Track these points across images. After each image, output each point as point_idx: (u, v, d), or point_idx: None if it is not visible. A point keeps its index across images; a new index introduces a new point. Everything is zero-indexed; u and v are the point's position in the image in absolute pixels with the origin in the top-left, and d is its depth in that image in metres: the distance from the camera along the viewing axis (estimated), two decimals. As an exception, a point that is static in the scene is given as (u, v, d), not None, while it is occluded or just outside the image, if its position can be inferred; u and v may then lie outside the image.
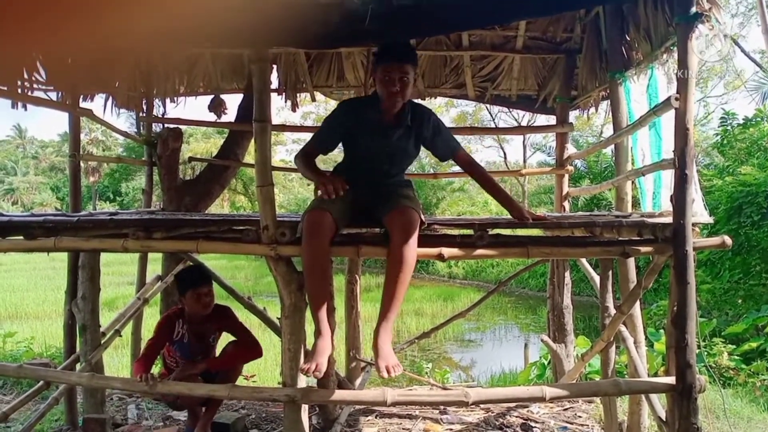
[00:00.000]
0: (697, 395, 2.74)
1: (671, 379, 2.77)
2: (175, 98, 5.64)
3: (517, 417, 4.44)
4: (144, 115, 5.47)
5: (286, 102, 5.71)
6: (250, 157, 5.71)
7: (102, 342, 4.07)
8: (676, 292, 2.75)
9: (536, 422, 4.35)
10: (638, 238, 3.03)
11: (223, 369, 3.76)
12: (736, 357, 6.80)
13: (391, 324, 2.75)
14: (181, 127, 5.40)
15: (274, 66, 5.40)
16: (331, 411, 4.14)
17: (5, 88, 3.93)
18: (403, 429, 4.24)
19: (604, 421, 3.97)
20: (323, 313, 2.75)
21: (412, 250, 2.68)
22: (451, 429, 4.24)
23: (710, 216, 3.28)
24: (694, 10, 2.72)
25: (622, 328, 3.59)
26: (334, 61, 5.48)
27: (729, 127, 12.81)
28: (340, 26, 2.52)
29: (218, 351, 3.92)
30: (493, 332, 13.48)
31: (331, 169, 3.40)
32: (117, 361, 8.63)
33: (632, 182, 4.01)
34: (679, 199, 2.72)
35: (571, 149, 5.39)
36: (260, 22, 2.43)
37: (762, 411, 5.05)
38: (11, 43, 0.70)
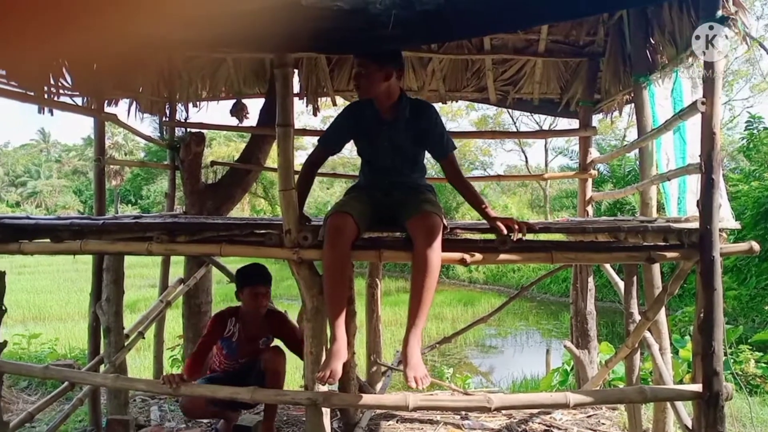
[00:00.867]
0: (724, 403, 2.69)
1: (698, 387, 2.73)
2: (198, 103, 5.72)
3: (539, 423, 4.40)
4: (167, 119, 5.53)
5: (307, 106, 5.75)
6: (271, 161, 5.76)
7: (125, 344, 4.10)
8: (703, 299, 2.71)
9: (559, 429, 4.31)
10: (664, 244, 2.99)
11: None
12: (763, 365, 6.67)
13: (420, 331, 2.72)
14: (203, 131, 5.45)
15: (296, 70, 5.43)
16: (352, 415, 4.14)
17: (32, 94, 3.99)
18: (424, 434, 4.22)
19: (629, 429, 3.93)
20: (340, 319, 2.73)
21: (437, 255, 2.67)
22: (472, 435, 4.22)
23: (737, 221, 3.23)
24: (720, 13, 2.68)
25: (647, 334, 3.55)
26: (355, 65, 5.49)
27: (755, 131, 12.62)
28: (363, 31, 2.52)
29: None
30: (514, 338, 13.40)
31: (346, 171, 3.42)
32: (139, 363, 8.72)
33: (656, 187, 3.97)
34: (706, 204, 2.68)
35: (594, 153, 5.34)
36: (283, 27, 2.45)
37: (790, 420, 4.95)
38: (38, 49, 0.71)
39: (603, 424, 4.43)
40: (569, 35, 5.05)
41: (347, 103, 4.61)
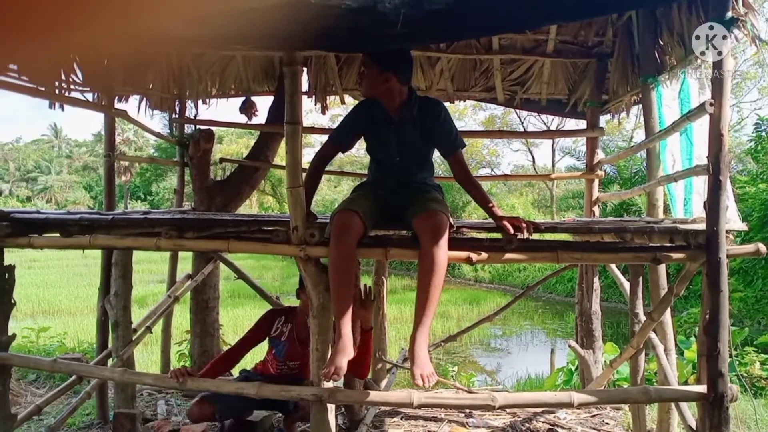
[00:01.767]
0: (729, 405, 2.70)
1: (702, 388, 2.74)
2: (207, 100, 5.75)
3: (543, 422, 4.41)
4: (177, 116, 5.57)
5: (315, 104, 5.76)
6: (279, 158, 5.79)
7: (133, 338, 4.14)
8: (709, 300, 2.71)
9: (563, 428, 4.32)
10: (670, 245, 3.00)
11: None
12: (769, 367, 6.66)
13: (428, 329, 2.73)
14: (212, 128, 5.48)
15: (305, 68, 5.44)
16: (356, 411, 4.16)
17: (44, 89, 4.03)
18: (429, 431, 4.24)
19: (633, 429, 3.93)
20: (346, 316, 2.74)
21: (443, 254, 2.68)
22: (476, 433, 4.23)
23: (743, 223, 3.23)
24: (729, 14, 2.68)
25: (652, 335, 3.55)
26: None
27: (763, 133, 12.56)
28: (371, 30, 2.53)
29: None
30: (519, 337, 13.39)
31: (353, 169, 3.45)
32: (147, 357, 8.78)
33: (662, 188, 3.97)
34: (713, 205, 2.69)
35: (601, 154, 5.34)
36: (293, 25, 2.46)
37: (795, 423, 4.94)
38: (50, 45, 0.72)
39: (607, 423, 4.44)
40: (578, 36, 5.05)
41: (355, 101, 4.63)
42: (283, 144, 3.44)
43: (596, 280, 5.16)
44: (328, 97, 5.77)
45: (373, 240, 2.97)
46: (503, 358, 11.38)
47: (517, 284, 18.85)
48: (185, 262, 5.46)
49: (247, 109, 5.64)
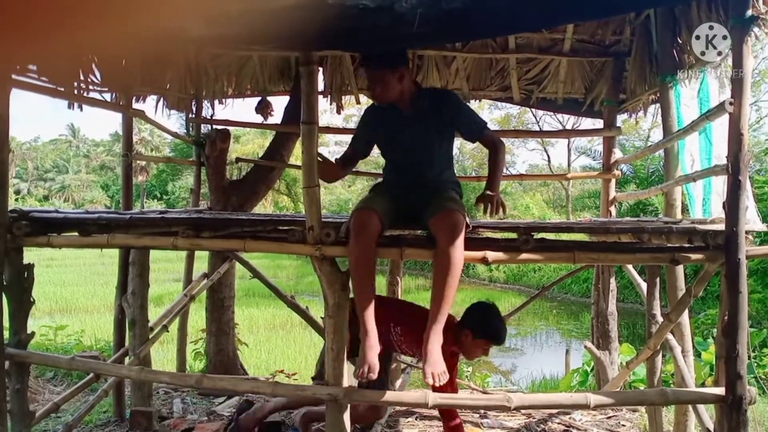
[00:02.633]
0: (747, 407, 2.67)
1: (720, 390, 2.71)
2: (224, 100, 5.79)
3: (558, 423, 4.39)
4: (193, 116, 5.60)
5: (331, 104, 5.77)
6: (294, 158, 5.80)
7: (150, 337, 4.17)
8: (728, 302, 2.68)
9: (578, 429, 4.29)
10: (688, 245, 2.97)
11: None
12: (788, 369, 6.58)
13: (441, 328, 2.72)
14: (228, 128, 5.51)
15: (320, 68, 5.46)
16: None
17: (63, 89, 4.07)
18: (443, 432, 4.23)
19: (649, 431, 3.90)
20: (370, 311, 2.75)
21: (459, 253, 2.68)
22: (491, 433, 4.22)
23: (763, 223, 3.19)
24: (749, 12, 2.65)
25: (669, 336, 3.52)
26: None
27: (783, 132, 12.40)
28: (388, 30, 2.53)
29: None
30: (534, 337, 13.34)
31: (368, 169, 3.46)
32: (163, 356, 8.84)
33: (680, 188, 3.93)
34: (732, 205, 2.66)
35: (618, 153, 5.31)
36: (309, 25, 2.47)
37: (815, 426, 4.88)
38: (69, 45, 0.72)
39: (623, 425, 4.41)
40: (595, 34, 5.01)
41: (370, 101, 4.63)
42: (298, 144, 3.45)
43: (612, 280, 5.12)
44: (343, 97, 5.78)
45: (388, 239, 2.96)
46: (518, 358, 11.33)
47: (532, 284, 18.78)
48: (201, 261, 5.49)
49: (263, 109, 5.66)
